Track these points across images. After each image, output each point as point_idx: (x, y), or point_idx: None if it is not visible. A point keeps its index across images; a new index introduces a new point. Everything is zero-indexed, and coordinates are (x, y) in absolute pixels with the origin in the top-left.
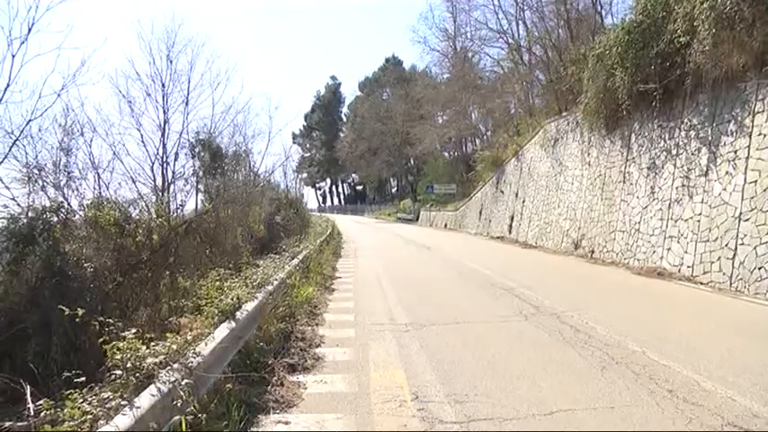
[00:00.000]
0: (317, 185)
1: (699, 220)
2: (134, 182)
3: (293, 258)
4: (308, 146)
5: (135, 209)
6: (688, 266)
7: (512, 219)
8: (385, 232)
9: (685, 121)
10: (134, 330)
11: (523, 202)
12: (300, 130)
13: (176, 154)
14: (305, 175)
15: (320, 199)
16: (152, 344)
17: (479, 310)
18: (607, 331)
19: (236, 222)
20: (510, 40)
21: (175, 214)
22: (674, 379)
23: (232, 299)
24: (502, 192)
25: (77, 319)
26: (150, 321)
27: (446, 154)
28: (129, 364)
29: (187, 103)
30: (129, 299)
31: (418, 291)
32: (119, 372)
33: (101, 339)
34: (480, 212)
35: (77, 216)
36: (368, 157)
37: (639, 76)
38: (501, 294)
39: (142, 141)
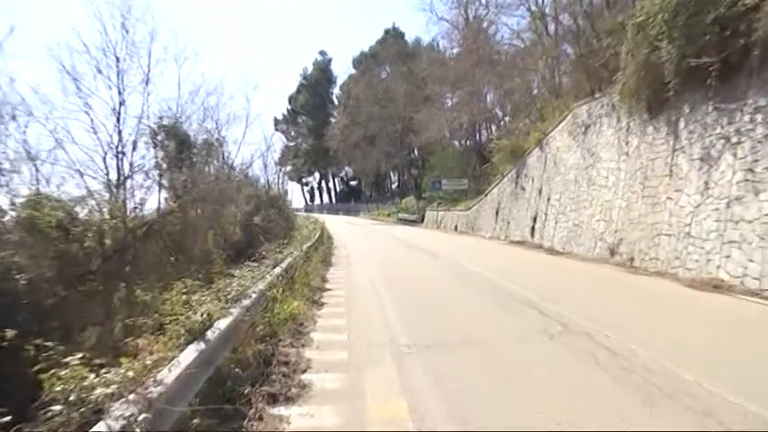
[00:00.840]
0: (304, 180)
1: (767, 222)
2: (81, 176)
3: (275, 267)
4: (292, 133)
5: (83, 208)
6: (753, 278)
7: (534, 220)
8: (383, 235)
9: (750, 101)
10: (80, 355)
11: (548, 200)
12: (284, 114)
13: (134, 143)
14: (289, 168)
15: (307, 196)
16: (102, 371)
17: (496, 329)
18: (651, 355)
19: (206, 224)
20: (533, 8)
21: (133, 214)
22: (736, 417)
23: (201, 315)
24: (523, 188)
25: (5, 343)
26: (100, 344)
27: (456, 143)
28: (72, 397)
29: (147, 82)
30: (74, 317)
31: (422, 302)
32: (58, 407)
33: (36, 367)
34: (497, 212)
35: (8, 217)
36: (363, 146)
37: (691, 49)
38: (522, 310)
39: (92, 127)
